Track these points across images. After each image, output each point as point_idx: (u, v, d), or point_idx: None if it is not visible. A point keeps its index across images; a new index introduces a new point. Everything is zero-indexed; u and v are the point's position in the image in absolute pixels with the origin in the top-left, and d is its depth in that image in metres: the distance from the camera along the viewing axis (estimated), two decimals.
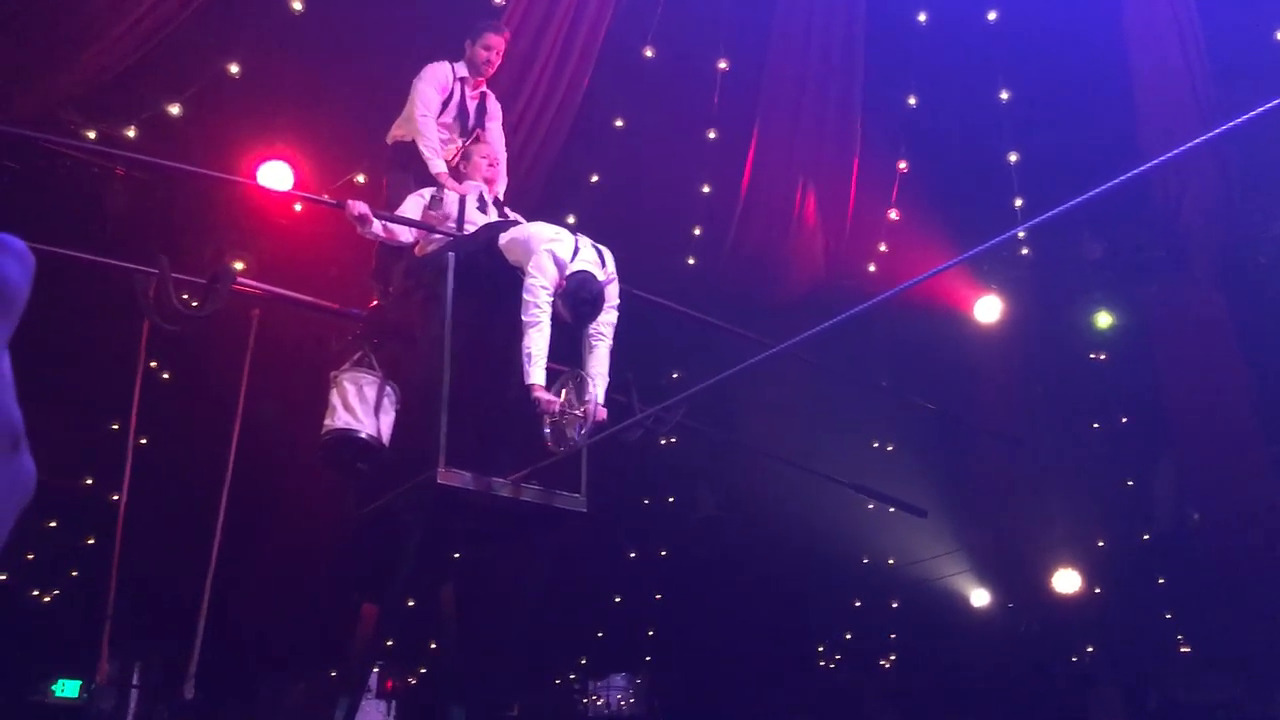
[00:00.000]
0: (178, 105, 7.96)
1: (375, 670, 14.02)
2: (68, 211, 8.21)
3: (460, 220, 6.01)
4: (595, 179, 9.76)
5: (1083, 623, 12.72)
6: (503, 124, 7.01)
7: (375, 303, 6.43)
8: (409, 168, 6.43)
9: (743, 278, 10.14)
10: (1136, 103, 9.13)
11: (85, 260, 6.33)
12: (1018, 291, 10.72)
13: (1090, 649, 13.38)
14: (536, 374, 5.17)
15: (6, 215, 7.54)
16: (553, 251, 5.33)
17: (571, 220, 8.47)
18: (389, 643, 11.99)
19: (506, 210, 6.30)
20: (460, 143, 6.62)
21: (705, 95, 9.49)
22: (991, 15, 9.47)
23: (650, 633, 15.54)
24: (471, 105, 6.64)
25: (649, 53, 9.14)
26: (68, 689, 13.06)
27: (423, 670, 14.56)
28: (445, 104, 6.52)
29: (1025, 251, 10.92)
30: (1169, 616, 12.91)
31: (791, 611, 14.12)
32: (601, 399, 5.32)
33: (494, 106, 6.88)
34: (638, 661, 17.07)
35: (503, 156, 6.84)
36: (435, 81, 6.49)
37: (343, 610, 7.81)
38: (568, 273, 5.31)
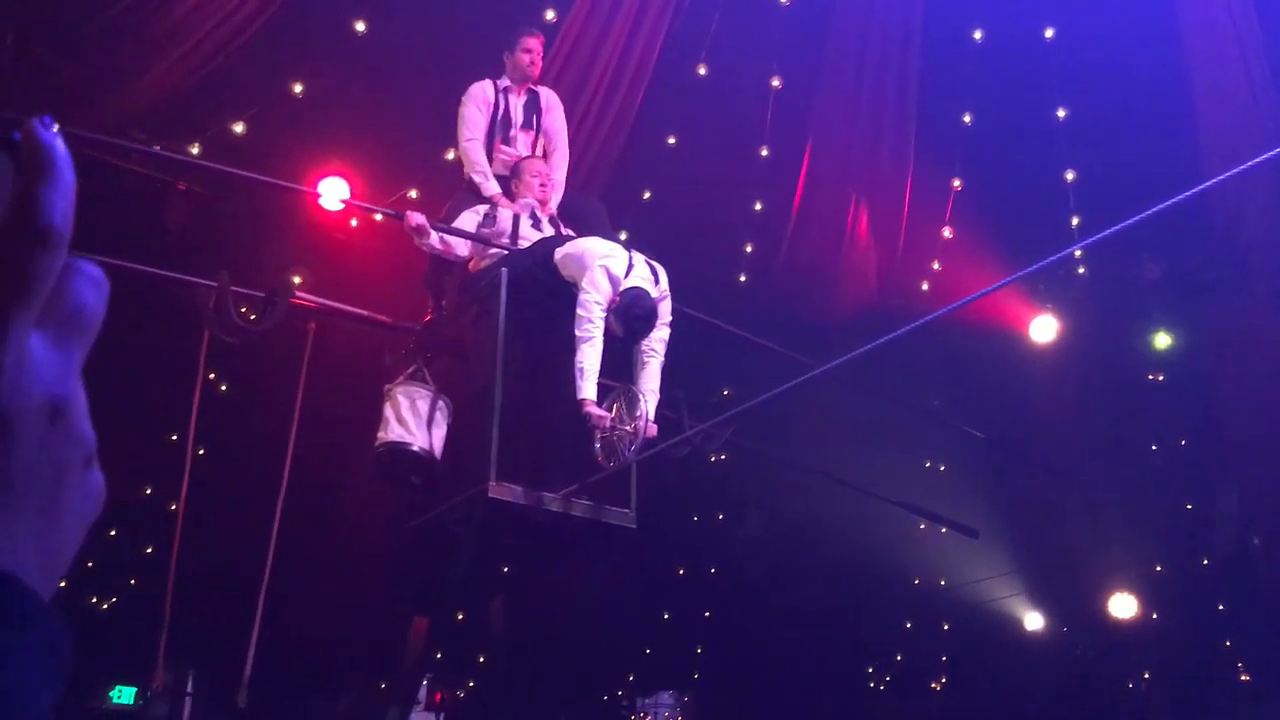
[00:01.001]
0: (241, 123, 8.10)
1: (425, 682, 14.09)
2: (130, 226, 8.38)
3: (514, 238, 6.06)
4: (648, 195, 9.79)
5: (1139, 648, 12.48)
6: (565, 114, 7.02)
7: (429, 317, 6.49)
8: (473, 190, 6.46)
9: (795, 295, 10.11)
10: (1197, 118, 8.99)
11: (147, 274, 6.46)
12: (1074, 311, 10.58)
13: (1147, 675, 13.11)
14: (588, 389, 5.20)
15: (74, 229, 7.70)
16: (607, 267, 5.36)
17: (624, 236, 8.51)
18: (439, 655, 12.04)
19: (561, 226, 6.34)
20: (512, 150, 6.65)
21: (758, 112, 9.50)
22: (1049, 32, 9.39)
23: (698, 650, 15.47)
24: (518, 106, 6.68)
25: (702, 70, 9.17)
26: (124, 695, 13.25)
27: (472, 684, 14.60)
28: (493, 118, 6.57)
29: (1082, 271, 10.79)
30: (1229, 644, 12.63)
31: (841, 631, 14.00)
32: (652, 415, 5.34)
33: (548, 99, 6.87)
34: (686, 679, 16.99)
35: (564, 143, 6.86)
36: (476, 101, 6.56)
37: (394, 622, 7.87)
38: (621, 289, 5.33)
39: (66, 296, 0.58)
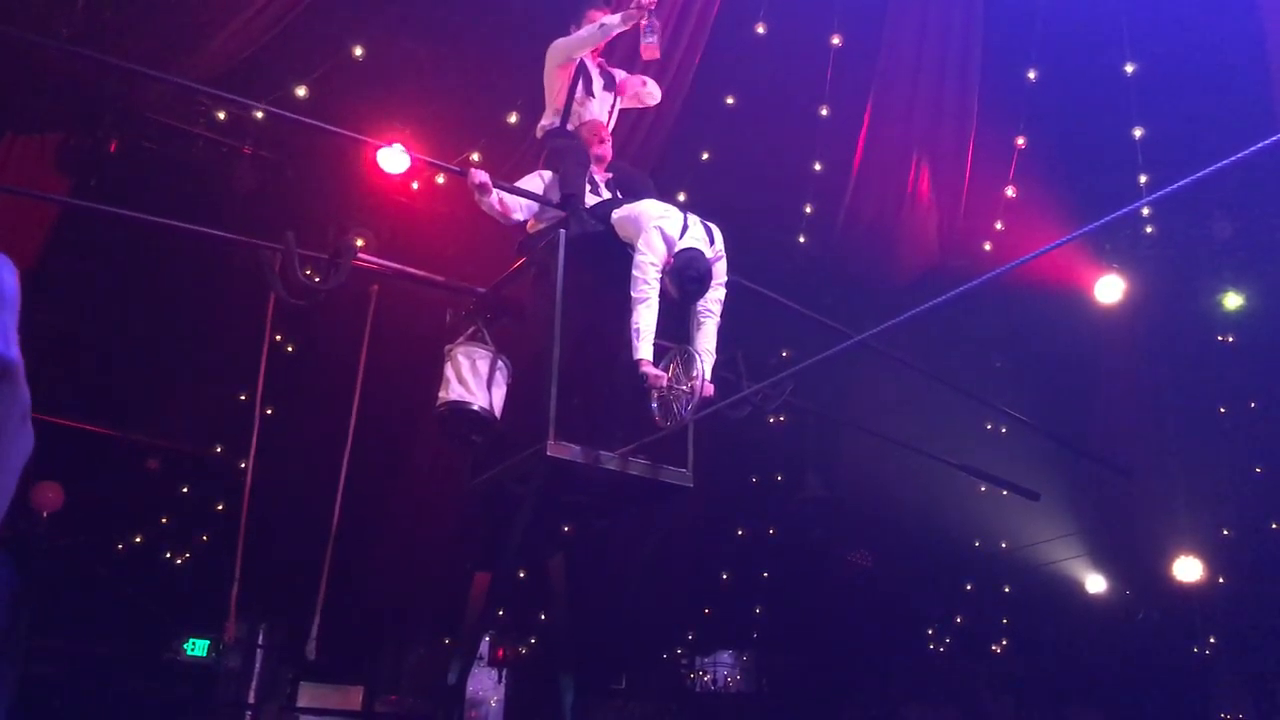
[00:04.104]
0: (304, 87, 8.20)
1: (487, 639, 14.33)
2: (199, 190, 8.56)
3: None
4: (706, 156, 9.75)
5: (1205, 612, 12.33)
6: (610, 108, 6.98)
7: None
8: (562, 155, 6.43)
9: (855, 256, 10.04)
10: (1271, 72, 8.73)
11: (215, 236, 6.59)
12: (1141, 271, 10.38)
13: (1212, 639, 12.96)
14: (645, 349, 5.23)
15: (144, 193, 7.90)
16: (661, 228, 5.38)
17: (682, 198, 8.50)
18: (500, 612, 12.23)
19: (617, 192, 6.33)
20: (589, 106, 6.61)
21: (818, 71, 9.39)
22: None
23: (758, 611, 15.56)
24: (596, 72, 6.66)
25: (761, 29, 9.09)
26: (198, 648, 13.61)
27: (533, 640, 14.84)
28: (575, 73, 6.55)
29: (1150, 230, 10.57)
30: None
31: (901, 593, 14.00)
32: (709, 375, 5.36)
33: (608, 85, 6.85)
34: (745, 639, 17.11)
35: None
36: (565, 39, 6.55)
37: (456, 578, 8.02)
38: (676, 250, 5.35)
39: None
